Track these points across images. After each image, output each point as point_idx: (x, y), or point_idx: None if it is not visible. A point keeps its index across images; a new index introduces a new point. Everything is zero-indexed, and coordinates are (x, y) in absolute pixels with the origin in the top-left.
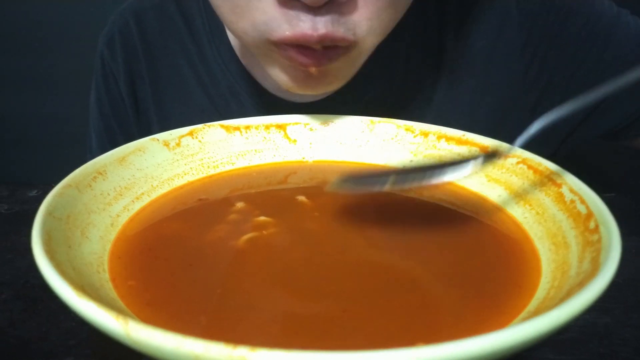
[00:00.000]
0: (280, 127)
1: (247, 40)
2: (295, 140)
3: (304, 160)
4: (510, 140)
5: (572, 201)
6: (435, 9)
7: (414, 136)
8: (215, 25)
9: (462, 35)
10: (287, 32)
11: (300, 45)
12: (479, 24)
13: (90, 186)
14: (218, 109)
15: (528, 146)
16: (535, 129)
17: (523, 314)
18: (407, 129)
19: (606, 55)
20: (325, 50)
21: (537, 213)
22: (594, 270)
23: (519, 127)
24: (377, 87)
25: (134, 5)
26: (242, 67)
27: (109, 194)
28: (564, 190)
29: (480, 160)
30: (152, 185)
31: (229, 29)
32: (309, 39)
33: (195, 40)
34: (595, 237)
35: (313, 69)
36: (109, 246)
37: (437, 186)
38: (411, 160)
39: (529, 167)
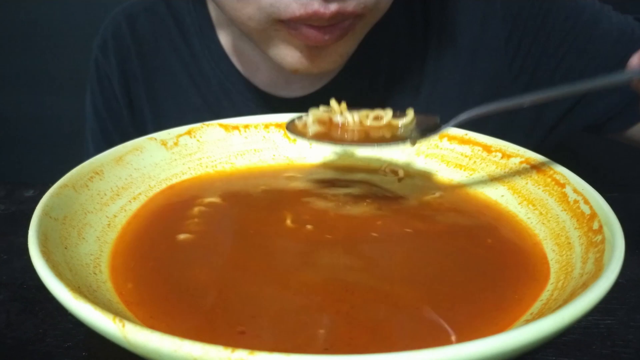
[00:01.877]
0: (280, 126)
1: (251, 25)
2: (295, 140)
3: (304, 159)
4: (495, 131)
5: (576, 201)
6: (420, 2)
7: None
8: (205, 25)
9: (446, 28)
10: (296, 12)
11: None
12: (463, 17)
13: (87, 186)
14: (210, 106)
15: (514, 138)
16: (463, 117)
17: (526, 316)
18: None
19: (588, 48)
20: (334, 25)
21: (541, 213)
22: (598, 271)
23: (505, 119)
24: (365, 80)
25: (126, 9)
26: (232, 65)
27: (105, 194)
28: (568, 190)
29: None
30: (149, 185)
31: (231, 17)
32: (321, 16)
33: (186, 40)
34: (599, 237)
35: (327, 39)
36: (105, 247)
37: (438, 187)
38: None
39: (532, 167)
